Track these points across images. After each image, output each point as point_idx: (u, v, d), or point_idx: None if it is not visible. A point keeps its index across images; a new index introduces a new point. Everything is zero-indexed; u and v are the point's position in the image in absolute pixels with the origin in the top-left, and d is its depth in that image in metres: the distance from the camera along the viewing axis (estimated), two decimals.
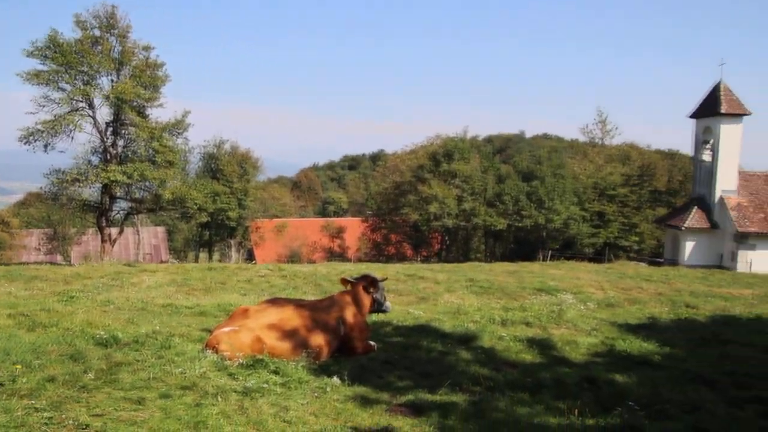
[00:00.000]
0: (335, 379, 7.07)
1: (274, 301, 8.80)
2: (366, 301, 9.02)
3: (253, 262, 39.59)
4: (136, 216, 40.46)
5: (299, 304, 8.64)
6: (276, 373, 7.05)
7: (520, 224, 42.28)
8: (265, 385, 6.57)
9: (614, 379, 7.63)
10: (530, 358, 8.86)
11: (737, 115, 35.70)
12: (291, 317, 8.11)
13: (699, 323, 12.37)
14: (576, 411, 6.31)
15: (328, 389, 6.79)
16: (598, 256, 42.26)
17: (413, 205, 42.49)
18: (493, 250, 48.68)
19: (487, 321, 11.27)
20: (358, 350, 8.53)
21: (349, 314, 8.64)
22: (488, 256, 46.48)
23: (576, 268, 27.12)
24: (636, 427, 5.81)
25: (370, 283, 9.12)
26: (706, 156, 36.79)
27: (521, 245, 46.28)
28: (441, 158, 44.00)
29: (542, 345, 9.57)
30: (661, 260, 38.46)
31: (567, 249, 44.45)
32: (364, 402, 6.54)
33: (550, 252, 42.32)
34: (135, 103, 32.16)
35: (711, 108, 36.22)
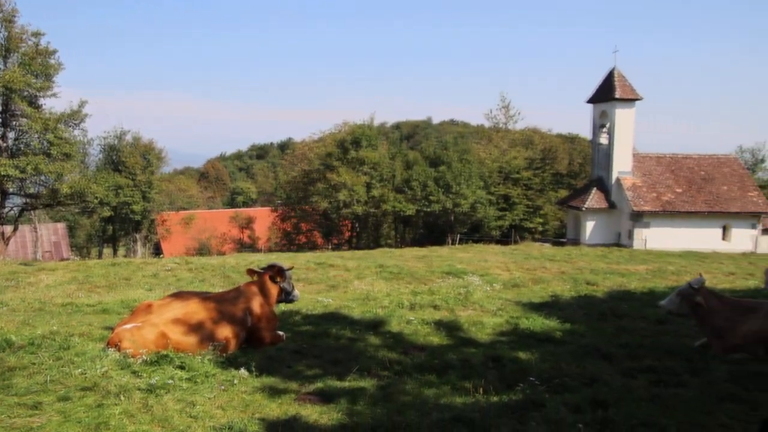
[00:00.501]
0: (243, 371, 6.99)
1: (179, 295, 8.60)
2: (273, 290, 8.95)
3: (161, 256, 38.51)
4: (32, 212, 38.53)
5: (205, 296, 8.47)
6: (182, 368, 6.90)
7: (428, 209, 42.84)
8: (171, 381, 6.43)
9: (518, 356, 7.88)
10: (438, 341, 9.04)
11: (630, 100, 37.34)
12: (196, 310, 7.96)
13: (598, 299, 12.94)
14: (481, 389, 6.50)
15: (236, 381, 6.72)
16: (505, 238, 43.44)
17: (322, 193, 42.34)
18: (403, 236, 49.19)
19: (395, 306, 11.41)
20: (266, 341, 8.46)
21: (256, 305, 8.55)
22: (398, 242, 46.97)
23: (484, 251, 27.83)
24: (537, 402, 6.04)
25: (276, 272, 9.04)
26: (603, 139, 38.39)
27: (431, 230, 46.94)
28: (349, 145, 43.99)
29: (449, 327, 9.77)
30: (564, 240, 39.91)
31: (475, 232, 45.44)
32: (273, 392, 6.50)
33: (458, 236, 43.15)
34: (26, 93, 30.45)
35: (606, 93, 37.74)
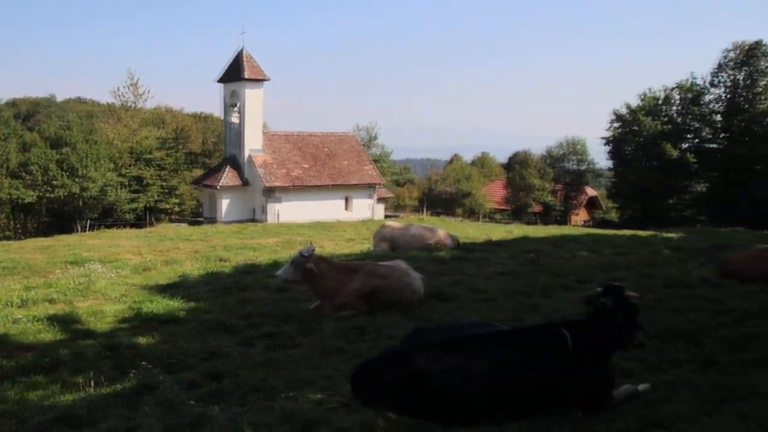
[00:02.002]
0: None
1: None
2: None
3: None
4: None
5: None
6: None
7: (52, 195, 39.37)
8: None
9: (137, 342, 7.61)
10: (50, 337, 8.30)
11: (258, 81, 38.62)
12: None
13: (225, 274, 13.15)
14: (92, 382, 6.14)
15: None
16: (140, 221, 41.91)
17: None
18: (24, 226, 44.42)
19: (3, 305, 10.19)
20: None
21: None
22: (19, 233, 42.25)
23: (117, 236, 26.45)
24: (151, 385, 5.90)
25: None
26: (235, 118, 39.19)
27: (57, 217, 43.22)
28: None
29: (65, 320, 9.05)
30: (202, 219, 39.93)
31: (108, 217, 43.04)
32: None
33: (89, 222, 40.37)
34: None
35: (235, 73, 38.45)
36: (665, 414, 4.83)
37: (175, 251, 18.91)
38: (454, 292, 10.54)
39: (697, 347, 7.18)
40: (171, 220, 43.74)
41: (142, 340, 7.74)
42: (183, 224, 37.39)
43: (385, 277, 9.24)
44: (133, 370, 6.40)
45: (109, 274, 13.19)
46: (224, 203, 37.80)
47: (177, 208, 48.85)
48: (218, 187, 37.28)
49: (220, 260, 16.32)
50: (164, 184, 47.01)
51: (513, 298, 10.31)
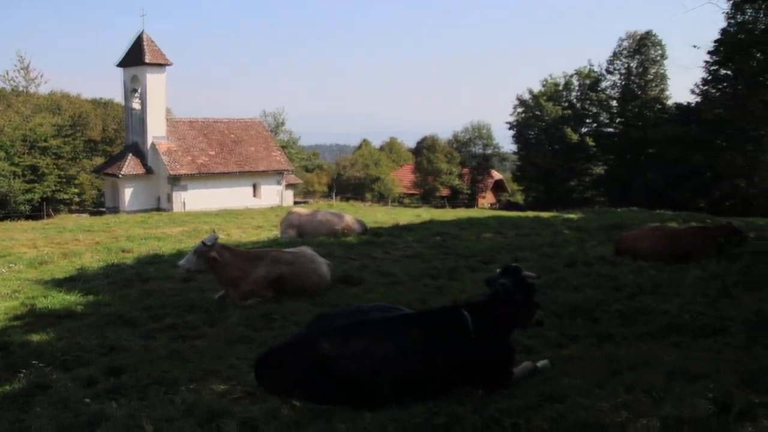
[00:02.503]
0: None
1: None
2: None
3: None
4: None
5: None
6: None
7: None
8: None
9: (30, 339, 7.23)
10: None
11: (160, 65, 37.39)
12: None
13: (127, 266, 12.70)
14: None
15: None
16: (37, 213, 39.92)
17: None
18: None
19: None
20: None
21: None
22: None
23: (11, 229, 25.17)
24: (43, 384, 5.63)
25: None
26: (136, 104, 37.84)
27: None
28: None
29: None
30: (104, 209, 38.46)
31: (0, 209, 40.76)
32: None
33: None
34: None
35: (136, 58, 37.07)
36: (562, 388, 5.00)
37: (74, 243, 18.18)
38: (361, 276, 10.60)
39: (595, 322, 7.52)
40: (71, 211, 41.87)
41: (35, 337, 7.36)
42: (84, 215, 35.90)
43: (290, 264, 9.19)
44: (25, 370, 6.07)
45: (1, 269, 12.52)
46: (127, 192, 36.50)
47: (77, 198, 46.76)
48: (120, 175, 35.95)
49: (123, 251, 15.77)
50: (62, 173, 44.85)
51: (419, 280, 10.48)
